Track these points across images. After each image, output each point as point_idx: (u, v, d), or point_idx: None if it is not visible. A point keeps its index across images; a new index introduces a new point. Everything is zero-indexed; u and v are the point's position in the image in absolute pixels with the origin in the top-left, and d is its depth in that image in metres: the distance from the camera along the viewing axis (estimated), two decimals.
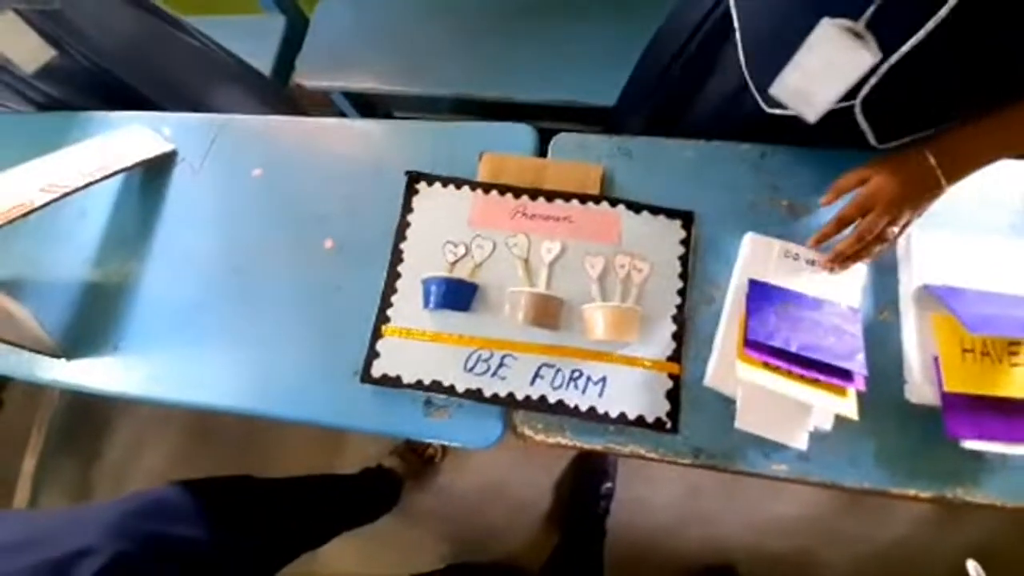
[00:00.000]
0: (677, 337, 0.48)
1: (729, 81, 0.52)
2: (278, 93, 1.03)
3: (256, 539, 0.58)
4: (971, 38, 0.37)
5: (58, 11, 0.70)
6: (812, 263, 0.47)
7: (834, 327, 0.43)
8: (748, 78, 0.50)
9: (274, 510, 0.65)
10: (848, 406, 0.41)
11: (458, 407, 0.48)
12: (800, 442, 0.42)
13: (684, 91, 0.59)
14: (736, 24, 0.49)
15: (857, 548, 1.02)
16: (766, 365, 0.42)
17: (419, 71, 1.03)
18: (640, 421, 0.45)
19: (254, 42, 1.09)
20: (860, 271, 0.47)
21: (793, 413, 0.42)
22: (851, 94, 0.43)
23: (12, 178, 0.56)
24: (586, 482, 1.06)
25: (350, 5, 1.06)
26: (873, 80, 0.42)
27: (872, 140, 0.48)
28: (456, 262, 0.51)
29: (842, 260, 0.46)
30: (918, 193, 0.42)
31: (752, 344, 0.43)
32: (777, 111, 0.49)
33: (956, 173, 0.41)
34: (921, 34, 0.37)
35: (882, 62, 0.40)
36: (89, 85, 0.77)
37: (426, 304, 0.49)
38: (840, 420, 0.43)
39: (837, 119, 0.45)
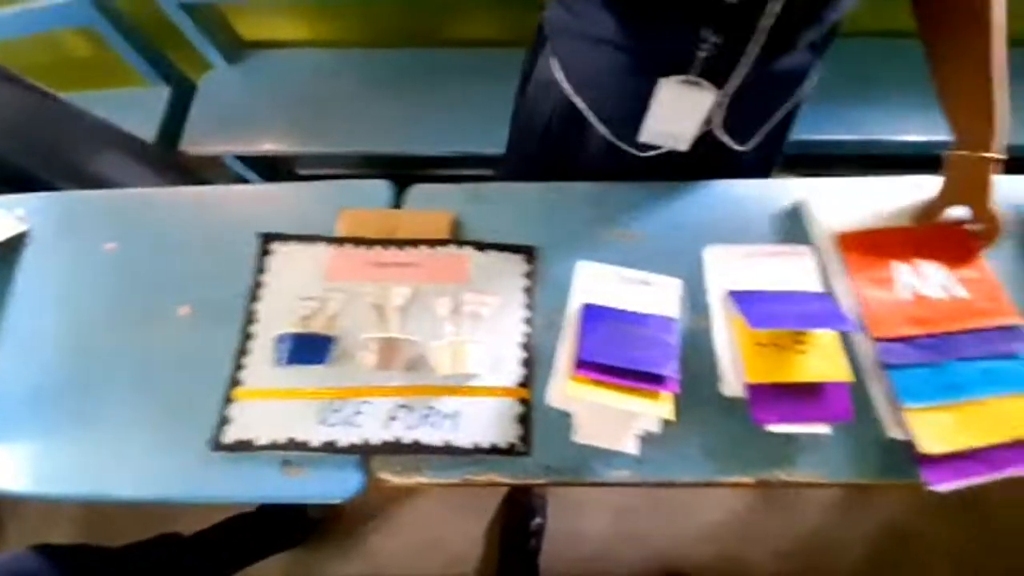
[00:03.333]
0: (527, 364, 0.51)
1: (599, 143, 0.60)
2: (162, 159, 1.02)
3: None
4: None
5: None
6: (637, 283, 0.53)
7: (653, 338, 0.48)
8: (615, 139, 0.58)
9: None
10: (664, 408, 0.45)
11: (314, 463, 0.48)
12: (631, 447, 0.46)
13: (561, 155, 0.65)
14: (584, 107, 0.57)
15: (778, 544, 1.07)
16: (595, 381, 0.46)
17: (312, 132, 1.07)
18: (494, 449, 0.47)
19: (142, 113, 1.09)
20: (677, 285, 0.53)
21: (621, 422, 0.46)
22: (706, 121, 0.52)
23: None
24: (515, 522, 1.04)
25: (237, 73, 1.10)
26: (721, 113, 0.51)
27: (735, 146, 0.57)
28: (310, 317, 0.52)
29: None
30: None
31: (582, 363, 0.47)
32: (650, 153, 0.57)
33: None
34: (743, 71, 0.47)
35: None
36: None
37: (278, 362, 0.50)
38: (668, 422, 0.47)
39: (701, 141, 0.55)
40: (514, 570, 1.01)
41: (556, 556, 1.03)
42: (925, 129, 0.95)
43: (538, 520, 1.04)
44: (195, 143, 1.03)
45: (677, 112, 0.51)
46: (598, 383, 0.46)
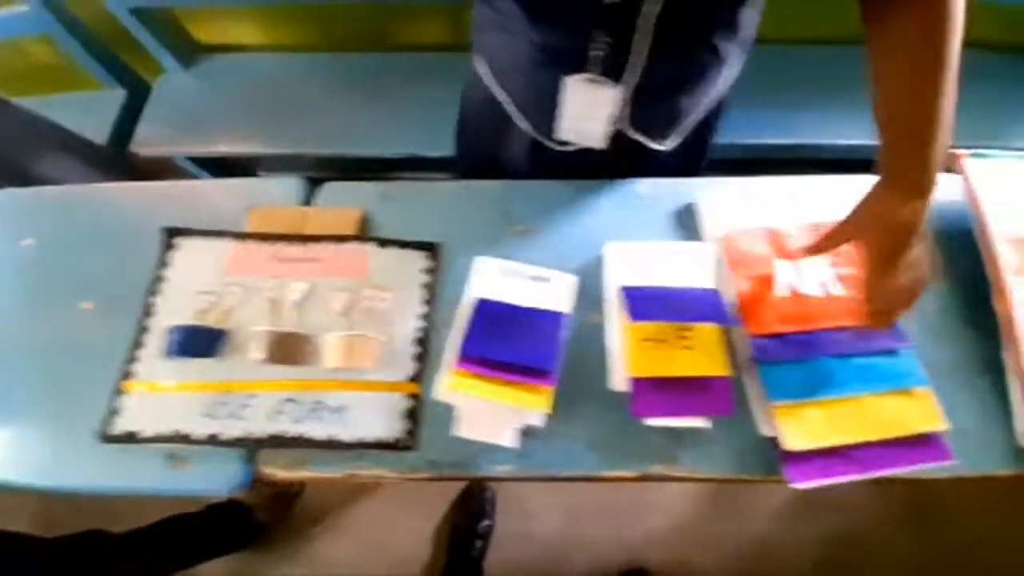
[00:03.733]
0: (420, 359, 0.51)
1: (523, 139, 0.60)
2: (112, 160, 1.03)
3: None
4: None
5: None
6: (533, 279, 0.54)
7: (538, 333, 0.49)
8: (535, 133, 0.58)
9: None
10: (542, 403, 0.45)
11: (201, 456, 0.48)
12: (510, 441, 0.46)
13: (491, 152, 0.66)
14: (505, 100, 0.58)
15: (728, 550, 1.06)
16: (475, 375, 0.46)
17: (266, 135, 1.08)
18: (379, 444, 0.47)
19: (98, 116, 1.10)
20: (572, 281, 0.54)
21: (501, 416, 0.46)
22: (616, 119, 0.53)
23: None
24: (463, 524, 1.04)
25: (191, 77, 1.11)
26: (628, 111, 0.52)
27: (653, 145, 0.58)
28: (206, 310, 0.52)
29: None
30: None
31: (466, 358, 0.47)
32: (569, 148, 0.58)
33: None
34: (639, 71, 0.47)
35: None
36: None
37: (167, 354, 0.50)
38: (552, 417, 0.47)
39: (620, 139, 0.55)
40: (460, 572, 1.00)
41: (503, 559, 1.02)
42: (865, 133, 0.96)
43: (487, 523, 1.03)
44: (146, 145, 1.04)
45: (585, 109, 0.52)
46: (478, 377, 0.46)
